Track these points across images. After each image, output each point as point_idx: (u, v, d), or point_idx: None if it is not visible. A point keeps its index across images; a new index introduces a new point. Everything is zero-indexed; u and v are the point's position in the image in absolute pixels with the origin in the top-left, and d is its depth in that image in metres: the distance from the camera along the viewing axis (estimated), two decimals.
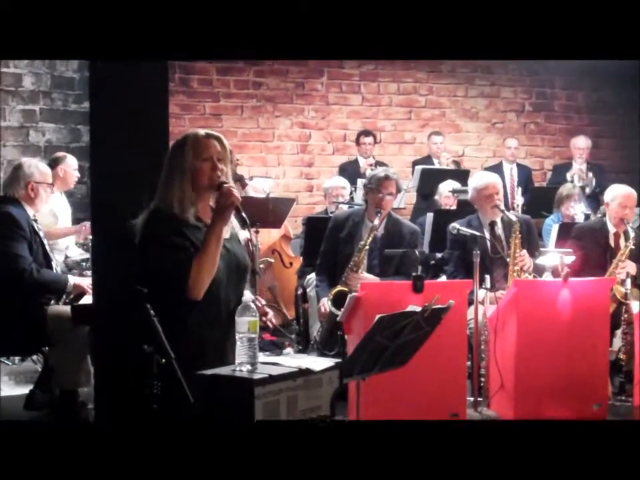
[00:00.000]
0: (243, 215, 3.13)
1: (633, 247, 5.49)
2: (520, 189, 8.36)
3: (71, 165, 6.28)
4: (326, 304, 5.32)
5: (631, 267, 5.45)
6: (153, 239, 3.06)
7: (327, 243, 5.58)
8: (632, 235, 5.55)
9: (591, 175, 8.23)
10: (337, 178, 7.56)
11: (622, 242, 5.63)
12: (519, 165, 8.85)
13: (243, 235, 3.33)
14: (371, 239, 5.31)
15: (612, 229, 5.72)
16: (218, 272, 3.10)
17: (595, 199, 7.91)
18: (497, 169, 8.14)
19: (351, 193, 7.36)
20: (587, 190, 8.07)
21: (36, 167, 4.97)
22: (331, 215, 6.12)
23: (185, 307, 3.06)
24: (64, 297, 4.80)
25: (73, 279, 4.81)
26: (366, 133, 8.73)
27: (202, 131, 3.23)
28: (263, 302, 3.35)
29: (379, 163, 8.14)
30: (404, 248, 5.35)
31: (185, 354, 2.91)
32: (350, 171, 8.23)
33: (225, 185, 3.10)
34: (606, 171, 8.75)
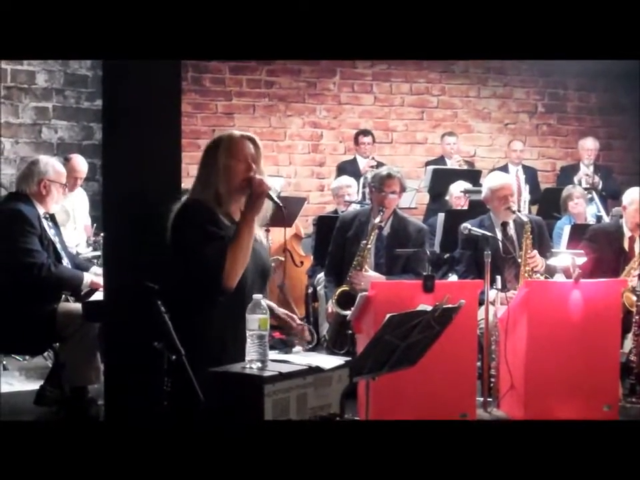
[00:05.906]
0: (275, 198, 3.20)
1: None
2: (527, 186, 8.22)
3: (73, 168, 6.22)
4: (331, 304, 5.32)
5: None
6: (190, 227, 3.11)
7: (334, 243, 5.58)
8: None
9: (597, 178, 8.17)
10: (342, 177, 7.52)
11: (637, 247, 5.53)
12: (524, 167, 8.77)
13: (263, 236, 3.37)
14: (373, 237, 5.30)
15: (627, 233, 5.60)
16: (245, 270, 3.12)
17: (603, 200, 7.87)
18: (503, 171, 8.05)
19: (364, 192, 7.33)
20: (599, 185, 8.03)
21: (52, 165, 4.95)
22: (341, 214, 6.11)
23: (214, 298, 3.09)
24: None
25: (89, 277, 4.81)
26: (365, 132, 8.66)
27: (237, 132, 3.29)
28: (298, 320, 3.41)
29: (379, 164, 8.10)
30: (411, 246, 5.33)
31: (207, 350, 2.97)
32: (348, 170, 8.14)
33: (256, 176, 3.17)
34: (614, 172, 8.70)
